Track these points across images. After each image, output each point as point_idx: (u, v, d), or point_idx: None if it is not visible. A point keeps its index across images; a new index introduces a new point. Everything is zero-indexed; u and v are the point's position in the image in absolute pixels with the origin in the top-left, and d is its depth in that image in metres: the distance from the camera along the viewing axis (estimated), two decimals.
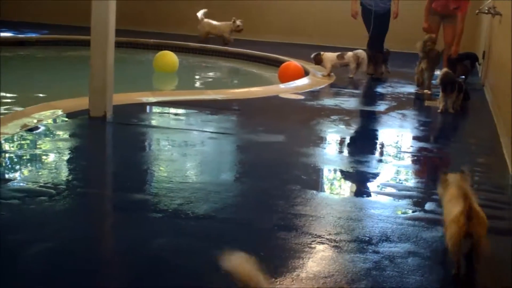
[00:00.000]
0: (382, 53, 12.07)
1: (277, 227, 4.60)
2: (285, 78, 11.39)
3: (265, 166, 6.13)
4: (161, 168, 6.00)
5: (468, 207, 3.80)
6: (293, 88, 10.42)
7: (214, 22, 15.37)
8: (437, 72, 10.43)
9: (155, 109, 8.51)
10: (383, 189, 5.69)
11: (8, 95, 9.99)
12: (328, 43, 15.58)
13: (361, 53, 11.70)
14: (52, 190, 5.05)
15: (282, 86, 10.76)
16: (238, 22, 15.05)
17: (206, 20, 15.38)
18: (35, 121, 7.09)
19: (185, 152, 6.40)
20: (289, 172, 5.97)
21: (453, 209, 3.92)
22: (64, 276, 3.72)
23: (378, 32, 11.97)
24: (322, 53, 11.78)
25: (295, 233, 4.49)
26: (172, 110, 8.42)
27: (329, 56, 11.71)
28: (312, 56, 11.84)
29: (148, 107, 8.50)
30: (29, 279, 3.65)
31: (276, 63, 12.95)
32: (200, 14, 15.39)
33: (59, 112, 7.54)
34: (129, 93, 8.82)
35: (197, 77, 13.43)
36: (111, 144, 7.03)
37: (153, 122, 7.79)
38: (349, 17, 12.38)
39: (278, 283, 3.73)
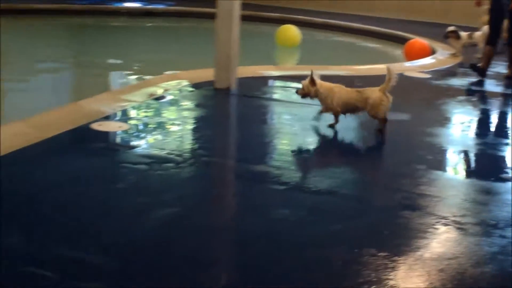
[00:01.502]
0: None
1: (400, 206, 4.51)
2: (411, 56, 11.15)
3: (389, 145, 6.03)
4: (283, 141, 6.02)
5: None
6: (419, 67, 10.19)
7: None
8: None
9: (278, 83, 8.53)
10: (511, 173, 5.49)
11: (135, 64, 10.29)
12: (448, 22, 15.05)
13: None
14: (177, 158, 5.16)
15: (407, 64, 10.54)
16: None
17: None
18: (162, 90, 7.25)
19: (307, 127, 6.38)
20: (414, 151, 5.85)
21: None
22: (183, 240, 3.80)
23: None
24: (453, 29, 11.41)
25: (419, 212, 4.39)
26: (294, 85, 8.39)
27: (460, 35, 11.34)
28: (446, 32, 11.46)
29: (270, 81, 8.52)
30: (150, 240, 3.75)
31: (402, 41, 12.69)
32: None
33: (185, 82, 7.67)
34: (252, 66, 8.88)
35: (319, 52, 13.34)
36: (234, 115, 7.10)
37: (276, 96, 7.81)
38: None
39: (400, 261, 3.66)
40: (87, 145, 5.35)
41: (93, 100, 6.54)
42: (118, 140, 5.59)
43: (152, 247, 3.69)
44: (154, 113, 6.52)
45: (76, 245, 3.61)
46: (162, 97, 7.04)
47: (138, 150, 5.34)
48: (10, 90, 8.57)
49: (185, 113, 6.58)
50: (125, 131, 5.73)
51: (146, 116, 6.40)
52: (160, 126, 6.15)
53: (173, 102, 6.96)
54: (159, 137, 5.84)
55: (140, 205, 4.21)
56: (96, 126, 5.69)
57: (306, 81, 6.13)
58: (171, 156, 5.17)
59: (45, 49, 10.96)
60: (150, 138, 5.82)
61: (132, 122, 6.08)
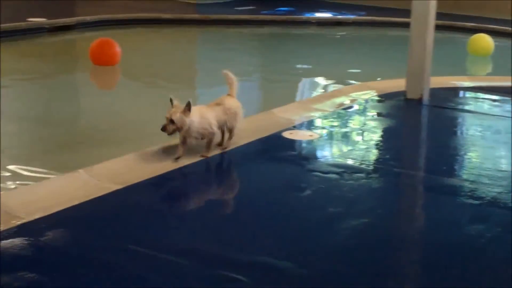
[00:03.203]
0: None
1: None
2: None
3: None
4: (476, 154, 5.82)
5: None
6: None
7: None
8: None
9: (470, 94, 8.25)
10: None
11: (325, 73, 10.39)
12: None
13: None
14: (367, 168, 5.15)
15: None
16: None
17: None
18: (351, 100, 7.26)
19: (502, 140, 6.13)
20: None
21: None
22: (372, 251, 3.78)
23: None
24: None
25: None
26: (488, 96, 8.11)
27: None
28: None
29: (462, 92, 8.27)
30: (339, 249, 3.76)
31: None
32: None
33: (374, 92, 7.63)
34: (445, 77, 8.67)
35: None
36: (426, 126, 6.96)
37: (468, 107, 7.57)
38: None
39: None
40: (278, 152, 5.46)
41: (284, 108, 6.68)
42: (308, 148, 5.66)
43: (341, 256, 3.70)
44: (344, 123, 6.54)
45: (267, 251, 3.70)
46: (351, 107, 7.05)
47: (328, 159, 5.40)
48: (198, 98, 8.93)
49: (375, 123, 6.55)
50: (315, 140, 5.80)
51: (335, 126, 6.43)
52: (350, 135, 6.18)
53: (362, 112, 6.95)
54: (349, 146, 5.86)
55: (330, 214, 4.24)
56: (287, 135, 5.81)
57: (177, 110, 4.86)
58: (362, 166, 5.17)
59: (235, 58, 11.32)
60: (340, 148, 5.86)
61: (322, 131, 6.14)
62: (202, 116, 5.00)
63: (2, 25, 11.38)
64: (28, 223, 3.88)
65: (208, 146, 5.10)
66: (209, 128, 5.03)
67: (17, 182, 5.23)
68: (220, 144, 5.27)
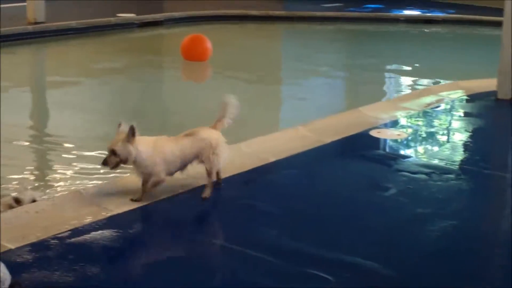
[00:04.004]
0: None
1: None
2: None
3: None
4: None
5: None
6: None
7: None
8: None
9: None
10: None
11: (413, 71, 10.24)
12: None
13: None
14: (457, 169, 5.06)
15: None
16: None
17: None
18: (440, 99, 7.13)
19: None
20: None
21: None
22: (460, 253, 3.71)
23: None
24: None
25: None
26: None
27: None
28: None
29: None
30: (427, 250, 3.70)
31: None
32: None
33: (464, 91, 7.47)
34: None
35: None
36: None
37: None
38: None
39: None
40: (365, 151, 5.42)
41: (372, 107, 6.63)
42: (396, 148, 5.59)
43: (430, 258, 3.65)
44: (432, 123, 6.44)
45: (354, 250, 3.68)
46: (439, 106, 6.92)
47: (416, 159, 5.32)
48: (286, 94, 8.95)
49: (464, 123, 6.42)
50: (403, 139, 5.73)
51: (424, 125, 6.33)
52: (438, 135, 6.07)
53: (451, 112, 6.82)
54: (437, 147, 5.77)
55: (419, 215, 4.18)
56: (374, 133, 5.75)
57: (118, 138, 4.03)
58: (450, 167, 5.08)
59: (321, 55, 11.28)
60: (428, 148, 5.77)
61: (410, 130, 6.05)
62: (156, 150, 4.11)
63: (92, 20, 11.71)
64: (113, 216, 3.97)
65: (149, 187, 4.14)
66: (152, 168, 4.09)
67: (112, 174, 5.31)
68: (218, 181, 4.38)
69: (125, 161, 4.03)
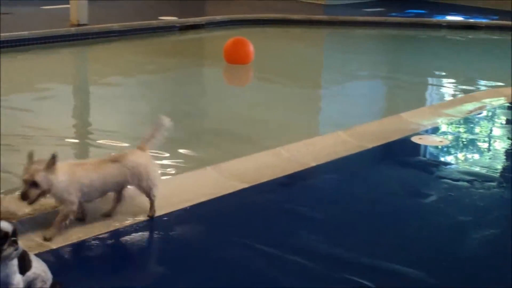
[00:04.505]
0: None
1: None
2: None
3: None
4: None
5: None
6: None
7: None
8: None
9: None
10: None
11: (455, 77, 10.13)
12: None
13: None
14: (499, 176, 5.00)
15: None
16: None
17: None
18: (482, 106, 7.05)
19: None
20: None
21: None
22: (501, 264, 3.65)
23: None
24: None
25: None
26: None
27: None
28: None
29: None
30: (469, 259, 3.65)
31: None
32: None
33: (506, 99, 7.37)
34: None
35: None
36: None
37: None
38: None
39: None
40: (406, 157, 5.38)
41: (414, 113, 6.58)
42: (438, 154, 5.54)
43: (471, 267, 3.62)
44: (474, 130, 6.37)
45: (394, 257, 3.65)
46: (482, 113, 6.84)
47: (457, 166, 5.27)
48: (327, 98, 8.90)
49: (506, 131, 6.33)
50: (445, 146, 5.67)
51: (466, 132, 6.27)
52: (480, 143, 6.00)
53: (494, 119, 6.75)
54: (480, 154, 5.71)
55: (460, 222, 4.14)
56: (416, 139, 5.71)
57: (38, 168, 3.55)
58: (493, 174, 5.03)
59: (362, 59, 11.21)
60: (470, 155, 5.71)
61: (452, 137, 6.00)
62: (72, 177, 3.68)
63: (134, 22, 11.80)
64: (156, 217, 3.99)
65: (58, 219, 3.69)
66: (65, 196, 3.67)
67: None
68: (150, 214, 3.99)
69: (47, 192, 3.60)
